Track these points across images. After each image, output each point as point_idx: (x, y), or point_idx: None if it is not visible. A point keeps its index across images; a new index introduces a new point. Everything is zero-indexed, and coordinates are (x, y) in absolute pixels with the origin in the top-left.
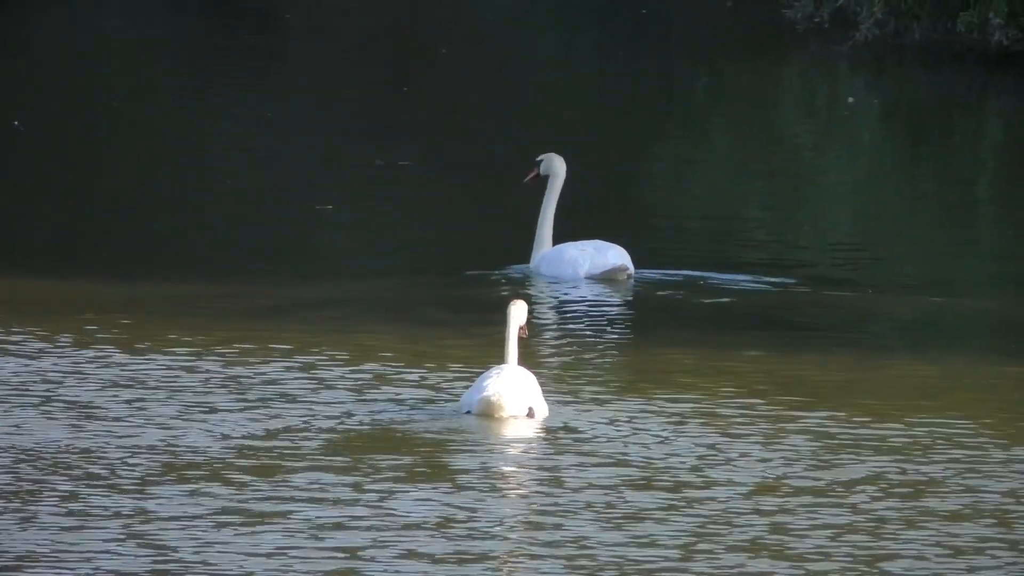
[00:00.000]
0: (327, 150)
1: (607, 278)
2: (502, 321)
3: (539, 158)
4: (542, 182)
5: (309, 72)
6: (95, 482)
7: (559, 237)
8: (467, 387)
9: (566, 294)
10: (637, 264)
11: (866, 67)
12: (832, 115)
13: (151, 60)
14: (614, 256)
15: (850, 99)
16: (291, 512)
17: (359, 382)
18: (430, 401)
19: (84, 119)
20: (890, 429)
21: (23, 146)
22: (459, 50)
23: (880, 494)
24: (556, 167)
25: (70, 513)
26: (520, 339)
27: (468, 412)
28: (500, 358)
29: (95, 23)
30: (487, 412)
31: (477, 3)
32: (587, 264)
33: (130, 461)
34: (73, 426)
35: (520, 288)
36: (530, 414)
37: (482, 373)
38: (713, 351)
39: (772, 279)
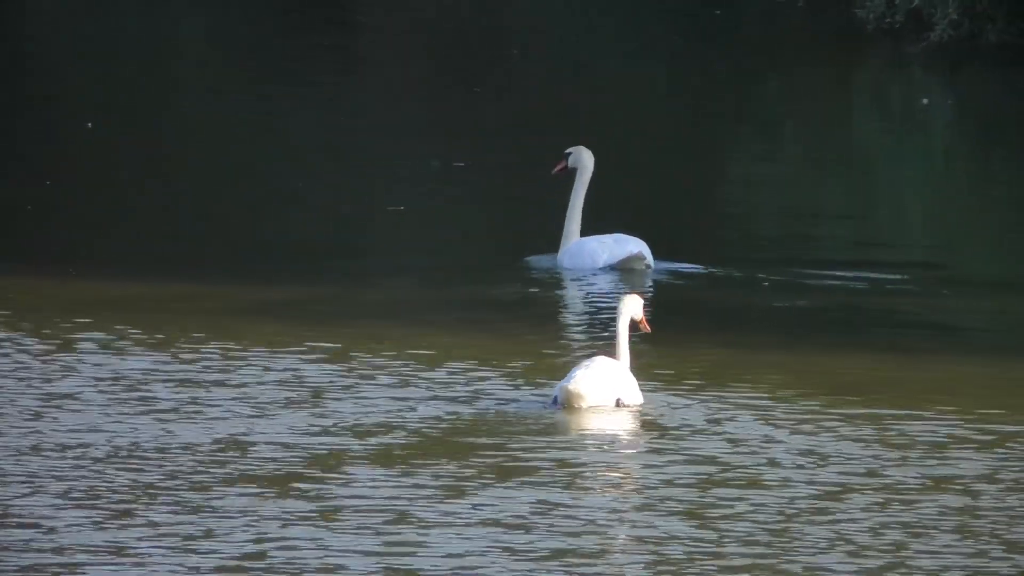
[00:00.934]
0: (398, 150)
1: (625, 267)
2: (565, 315)
3: (568, 151)
4: (570, 174)
5: (381, 73)
6: (168, 480)
7: (611, 229)
8: (550, 380)
9: (591, 284)
10: (705, 262)
11: (939, 68)
12: (906, 116)
13: (222, 62)
14: (633, 245)
15: (924, 100)
16: (382, 508)
17: (441, 378)
18: (517, 394)
19: (153, 119)
20: (967, 428)
21: (93, 146)
22: (531, 51)
23: (965, 493)
24: (584, 160)
25: (138, 511)
26: (645, 333)
27: (555, 403)
28: (565, 350)
29: (163, 23)
30: (569, 402)
31: (550, 5)
32: (606, 254)
33: (216, 457)
34: (151, 423)
35: (543, 282)
36: (618, 404)
37: (576, 364)
38: (784, 348)
39: (845, 278)
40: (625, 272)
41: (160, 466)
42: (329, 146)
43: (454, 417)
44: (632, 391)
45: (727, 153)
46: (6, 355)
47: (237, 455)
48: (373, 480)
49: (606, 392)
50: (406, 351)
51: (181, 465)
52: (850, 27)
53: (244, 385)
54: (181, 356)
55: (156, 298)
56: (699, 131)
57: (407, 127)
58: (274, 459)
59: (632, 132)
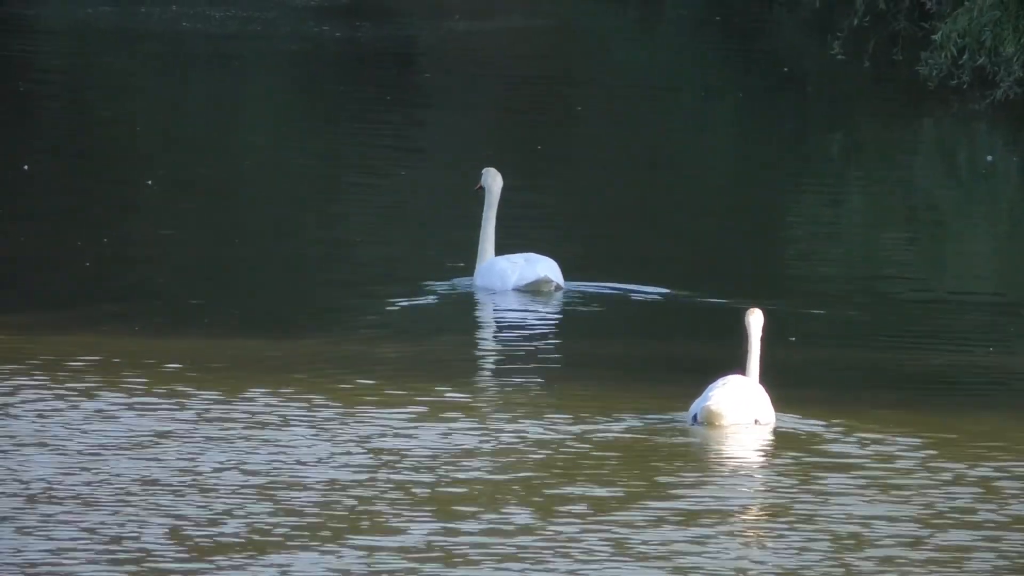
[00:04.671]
0: (455, 211)
1: (534, 290)
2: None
3: (483, 171)
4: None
5: (444, 131)
6: (236, 519)
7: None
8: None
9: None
10: (778, 303)
11: (1004, 126)
12: (971, 173)
13: (287, 120)
14: (541, 268)
15: (989, 157)
16: (538, 530)
17: (571, 400)
18: (651, 412)
19: (215, 177)
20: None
21: (154, 204)
22: (596, 107)
23: None
24: (489, 182)
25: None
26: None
27: (694, 421)
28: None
29: (229, 81)
30: (710, 421)
31: (615, 61)
32: (515, 276)
33: (330, 508)
34: (216, 467)
35: (459, 300)
36: (756, 423)
37: (711, 383)
38: (855, 399)
39: (907, 332)
40: (536, 293)
41: (228, 508)
42: (386, 203)
43: (591, 437)
44: (767, 410)
45: (790, 204)
46: (72, 408)
47: (341, 505)
48: (537, 498)
49: (745, 411)
50: (529, 381)
51: (270, 526)
52: (914, 85)
53: (351, 432)
54: (243, 406)
55: (217, 352)
56: (762, 187)
57: (464, 187)
58: (405, 492)
59: (693, 184)
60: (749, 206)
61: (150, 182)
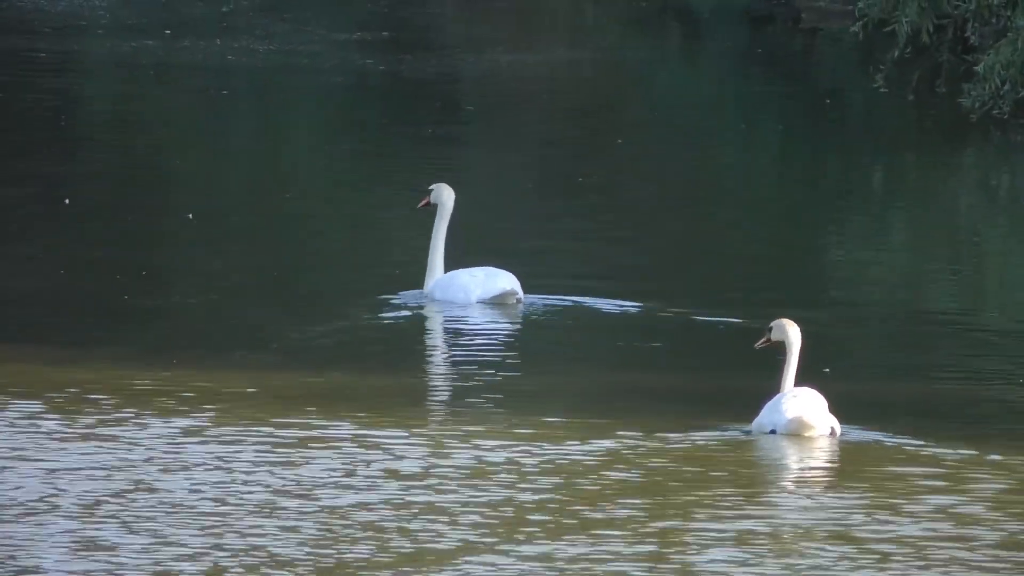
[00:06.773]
0: (490, 241)
1: (497, 302)
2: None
3: (431, 187)
4: (434, 210)
5: (486, 163)
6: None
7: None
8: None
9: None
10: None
11: None
12: (1012, 204)
13: (328, 150)
14: (504, 281)
15: None
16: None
17: (636, 416)
18: (717, 424)
19: (256, 211)
20: None
21: (193, 237)
22: (637, 138)
23: None
24: (444, 197)
25: None
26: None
27: (772, 431)
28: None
29: (272, 115)
30: (799, 430)
31: (657, 93)
32: (479, 290)
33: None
34: (258, 507)
35: (414, 313)
36: (832, 433)
37: (775, 396)
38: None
39: (947, 360)
40: (500, 306)
41: (284, 540)
42: (426, 234)
43: (663, 450)
44: (835, 420)
45: (831, 235)
46: (118, 440)
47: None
48: (604, 514)
49: (827, 421)
50: (587, 404)
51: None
52: (956, 117)
53: (399, 469)
54: (279, 440)
55: (255, 386)
56: (804, 214)
57: (506, 220)
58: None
59: (733, 215)
60: (790, 236)
61: (191, 215)
